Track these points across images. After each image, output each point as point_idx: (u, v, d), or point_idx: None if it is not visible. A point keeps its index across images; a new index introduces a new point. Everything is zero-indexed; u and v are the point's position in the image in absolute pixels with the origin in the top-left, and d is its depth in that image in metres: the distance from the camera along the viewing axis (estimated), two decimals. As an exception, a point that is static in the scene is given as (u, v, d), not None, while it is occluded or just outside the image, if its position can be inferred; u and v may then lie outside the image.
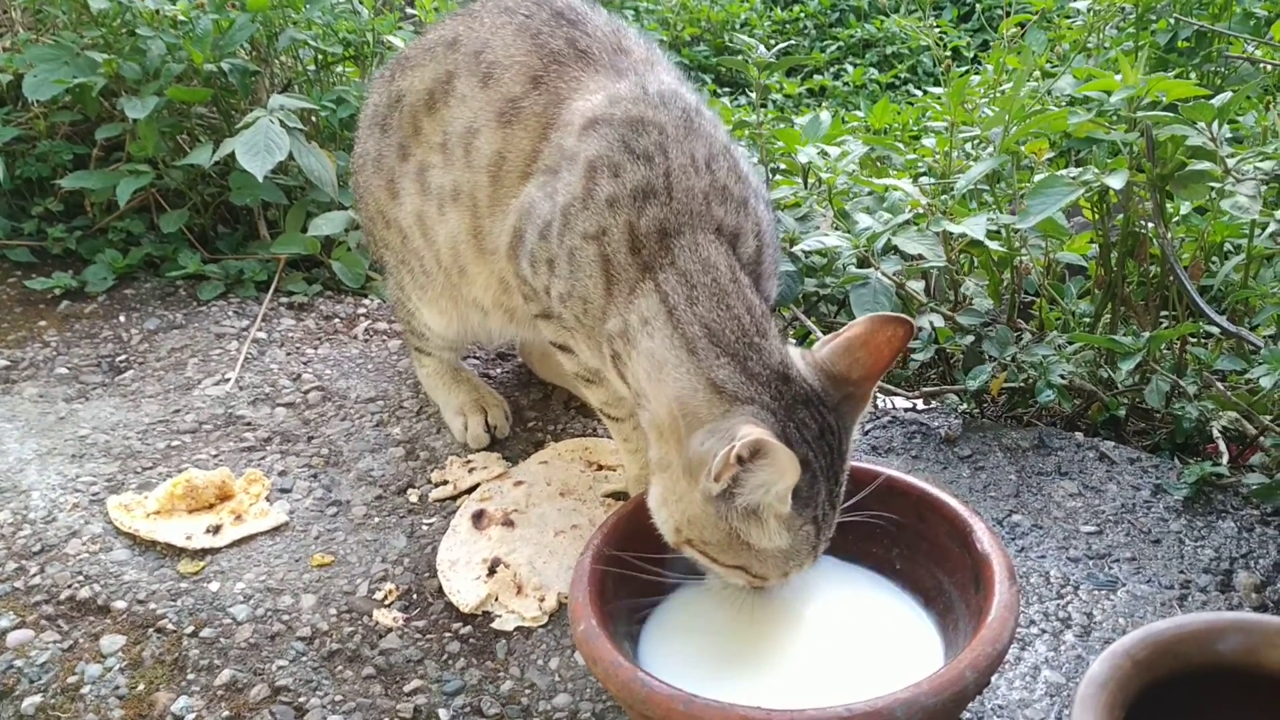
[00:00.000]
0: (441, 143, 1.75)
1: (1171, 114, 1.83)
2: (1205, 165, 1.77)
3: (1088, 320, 2.16)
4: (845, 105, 6.21)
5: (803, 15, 7.27)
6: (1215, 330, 1.96)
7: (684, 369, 1.40)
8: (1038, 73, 3.40)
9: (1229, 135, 1.94)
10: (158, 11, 2.69)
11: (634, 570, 1.46)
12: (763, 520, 1.35)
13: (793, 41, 7.05)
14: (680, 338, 1.42)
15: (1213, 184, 1.80)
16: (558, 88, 1.63)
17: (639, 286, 1.47)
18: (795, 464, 1.27)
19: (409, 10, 3.31)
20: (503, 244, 1.67)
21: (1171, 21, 3.21)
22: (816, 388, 1.40)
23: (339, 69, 3.14)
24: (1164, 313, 2.21)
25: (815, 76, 6.51)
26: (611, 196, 1.48)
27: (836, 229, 2.21)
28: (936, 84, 6.29)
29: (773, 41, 7.02)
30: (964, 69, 4.90)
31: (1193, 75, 3.21)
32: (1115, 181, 1.82)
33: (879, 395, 2.11)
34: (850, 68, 6.67)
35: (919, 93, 6.18)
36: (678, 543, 1.44)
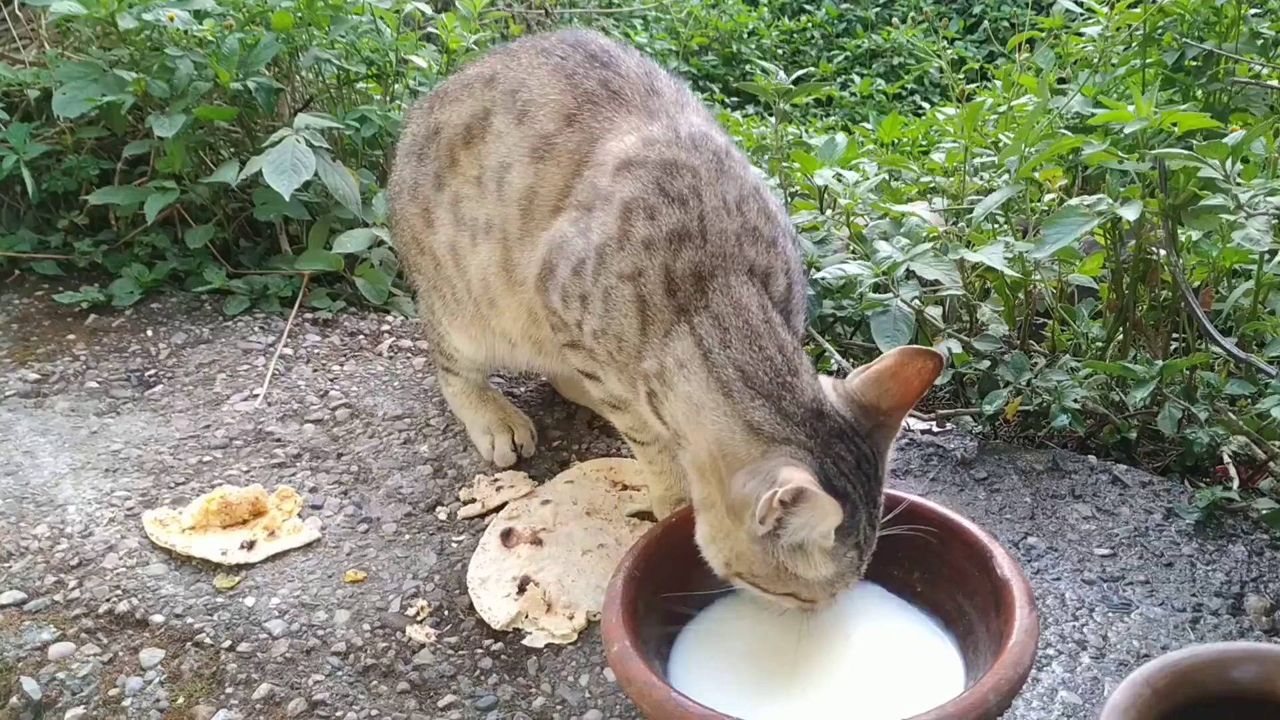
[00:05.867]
0: (477, 176, 1.80)
1: (1184, 152, 1.87)
2: (1218, 200, 1.82)
3: (1099, 344, 2.21)
4: (852, 116, 6.26)
5: (810, 25, 7.32)
6: (1225, 354, 2.00)
7: (720, 411, 1.45)
8: (1045, 93, 3.45)
9: (1239, 168, 1.98)
10: (186, 31, 2.73)
11: (664, 592, 1.51)
12: (808, 554, 1.40)
13: (800, 51, 7.11)
14: (716, 381, 1.46)
15: (1225, 215, 1.85)
16: (591, 127, 1.68)
17: (674, 329, 1.51)
18: (837, 508, 1.31)
19: (430, 29, 3.35)
20: (531, 275, 1.72)
21: (1178, 39, 3.25)
22: (850, 419, 1.44)
23: (361, 86, 3.19)
24: (1175, 335, 2.26)
25: (822, 87, 6.57)
26: (648, 238, 1.53)
27: (854, 253, 2.25)
28: (943, 94, 6.35)
29: (780, 51, 7.09)
30: (972, 83, 4.94)
31: (1199, 94, 3.25)
32: (1129, 213, 1.86)
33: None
34: (857, 78, 6.72)
35: (926, 104, 6.23)
36: (727, 575, 1.49)
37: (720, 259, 1.51)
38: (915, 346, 1.44)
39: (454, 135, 1.86)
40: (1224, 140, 1.82)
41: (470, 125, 1.84)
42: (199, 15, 2.79)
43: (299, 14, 2.84)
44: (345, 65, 2.97)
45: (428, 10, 3.16)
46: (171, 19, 2.68)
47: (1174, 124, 2.00)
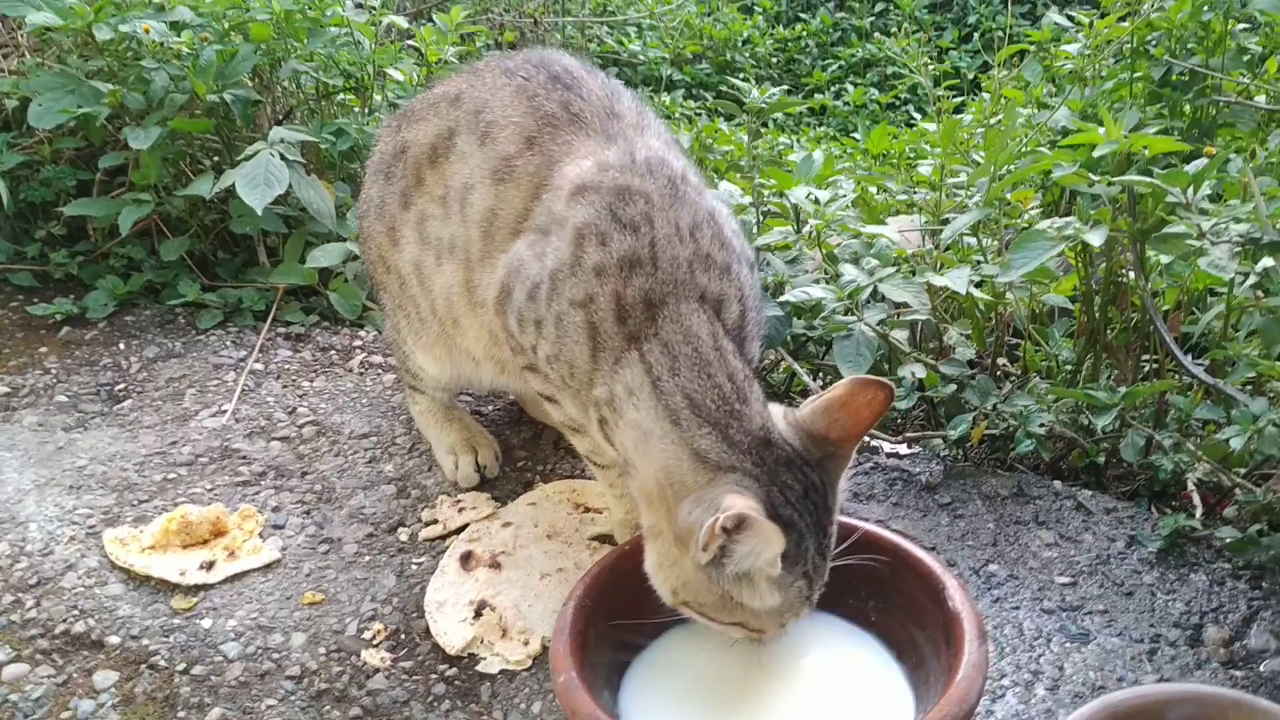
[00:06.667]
0: (442, 195, 1.80)
1: (1147, 180, 1.86)
2: (1181, 228, 1.81)
3: (1070, 366, 2.20)
4: (845, 126, 6.25)
5: (804, 34, 7.31)
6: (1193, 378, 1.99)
7: (668, 439, 1.44)
8: (1032, 105, 3.44)
9: (1208, 192, 1.96)
10: (162, 44, 2.73)
11: (615, 620, 1.50)
12: (754, 583, 1.39)
13: (794, 60, 7.10)
14: (664, 409, 1.45)
15: (1190, 242, 1.84)
16: (550, 149, 1.68)
17: (624, 356, 1.50)
18: (779, 535, 1.30)
19: (410, 43, 3.35)
20: (490, 297, 1.72)
21: (1166, 56, 3.24)
22: (798, 448, 1.43)
23: (340, 98, 3.18)
24: (1145, 358, 2.25)
25: (816, 95, 6.56)
26: (599, 265, 1.52)
27: (825, 273, 2.24)
28: (936, 104, 6.34)
29: (774, 60, 7.08)
30: (960, 97, 4.94)
31: (1186, 110, 3.24)
32: (1095, 238, 1.85)
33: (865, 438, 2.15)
34: (851, 87, 6.71)
35: (919, 114, 6.22)
36: (675, 604, 1.47)
37: (671, 286, 1.51)
38: (866, 376, 1.42)
39: (420, 154, 1.86)
40: (1185, 169, 1.80)
41: (436, 145, 1.83)
42: (176, 27, 2.78)
43: (277, 26, 2.84)
44: (323, 78, 2.97)
45: (403, 23, 3.15)
46: (147, 31, 2.67)
47: (1144, 147, 1.99)
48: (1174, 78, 3.29)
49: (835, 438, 1.43)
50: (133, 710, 1.62)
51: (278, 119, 3.03)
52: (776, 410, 1.48)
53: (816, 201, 2.24)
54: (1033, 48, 3.85)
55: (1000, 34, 6.72)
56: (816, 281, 2.14)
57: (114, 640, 1.73)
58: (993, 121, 3.01)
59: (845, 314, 2.02)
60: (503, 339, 1.74)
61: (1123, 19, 3.35)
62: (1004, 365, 2.29)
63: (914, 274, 2.11)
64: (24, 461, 2.17)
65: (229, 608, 1.80)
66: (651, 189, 1.56)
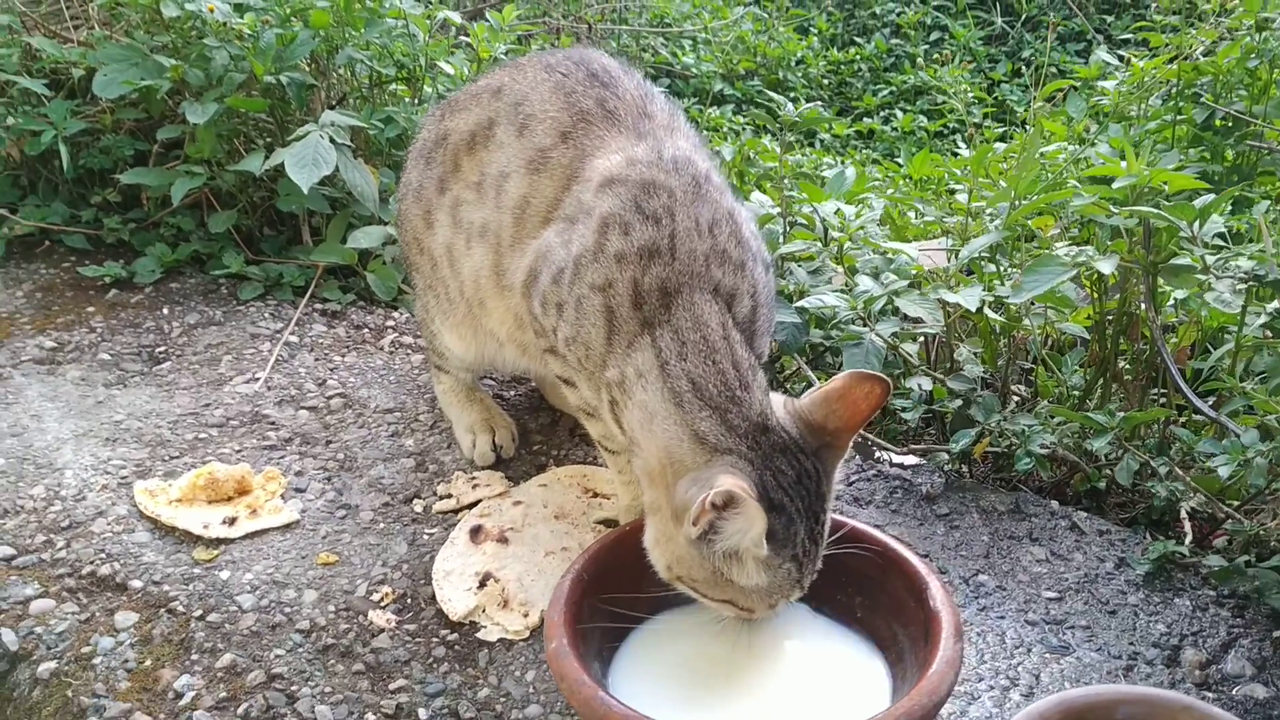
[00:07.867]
0: (477, 182, 1.88)
1: (1155, 211, 1.91)
2: (1187, 260, 1.85)
3: (1078, 393, 2.24)
4: (891, 151, 6.28)
5: (858, 58, 7.35)
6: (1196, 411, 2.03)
7: (671, 420, 1.52)
8: (1074, 140, 3.49)
9: (1220, 230, 2.01)
10: (225, 24, 2.83)
11: (611, 595, 1.57)
12: (743, 561, 1.46)
13: (846, 83, 7.15)
14: (669, 391, 1.53)
15: (1198, 275, 1.88)
16: (583, 144, 1.76)
17: (637, 340, 1.58)
18: (762, 515, 1.37)
19: (463, 38, 3.44)
20: (518, 281, 1.79)
21: (1210, 101, 3.28)
22: (795, 435, 1.50)
23: (391, 88, 3.28)
24: (1154, 390, 2.29)
25: (865, 119, 6.60)
26: (620, 252, 1.60)
27: (847, 285, 2.30)
28: (983, 135, 6.37)
29: (826, 81, 7.13)
30: (1006, 129, 4.98)
31: (1228, 154, 3.28)
32: (1105, 266, 1.90)
33: (874, 448, 2.21)
34: (900, 113, 6.75)
35: (965, 144, 6.25)
36: (670, 578, 1.55)
37: (687, 276, 1.58)
38: (863, 371, 1.49)
39: (459, 142, 1.94)
40: (1193, 203, 1.85)
41: (475, 133, 1.91)
42: (239, 9, 2.89)
43: (337, 14, 2.93)
44: (377, 67, 3.06)
45: (457, 18, 3.24)
46: (212, 10, 2.78)
47: (1164, 182, 2.04)
48: (1217, 122, 3.33)
49: (832, 428, 1.50)
50: (149, 650, 1.70)
51: (330, 103, 3.13)
52: (777, 399, 1.55)
53: (841, 214, 2.30)
54: (1078, 84, 3.89)
55: (1054, 70, 6.75)
56: (826, 293, 2.19)
57: (136, 584, 1.82)
58: (1044, 150, 3.05)
59: (860, 324, 2.08)
60: (527, 322, 1.82)
61: (1170, 61, 3.39)
62: (1018, 390, 2.33)
63: (929, 292, 2.16)
64: (64, 412, 2.27)
65: (247, 562, 1.88)
66: (675, 185, 1.64)
